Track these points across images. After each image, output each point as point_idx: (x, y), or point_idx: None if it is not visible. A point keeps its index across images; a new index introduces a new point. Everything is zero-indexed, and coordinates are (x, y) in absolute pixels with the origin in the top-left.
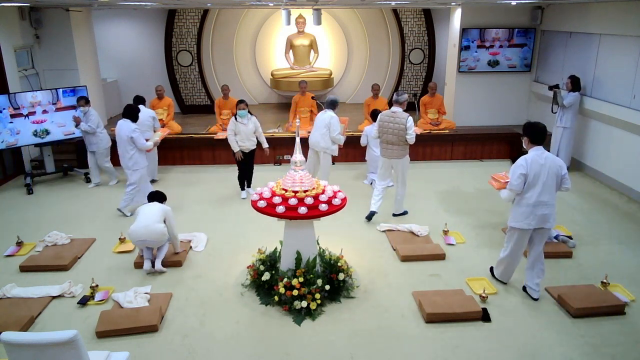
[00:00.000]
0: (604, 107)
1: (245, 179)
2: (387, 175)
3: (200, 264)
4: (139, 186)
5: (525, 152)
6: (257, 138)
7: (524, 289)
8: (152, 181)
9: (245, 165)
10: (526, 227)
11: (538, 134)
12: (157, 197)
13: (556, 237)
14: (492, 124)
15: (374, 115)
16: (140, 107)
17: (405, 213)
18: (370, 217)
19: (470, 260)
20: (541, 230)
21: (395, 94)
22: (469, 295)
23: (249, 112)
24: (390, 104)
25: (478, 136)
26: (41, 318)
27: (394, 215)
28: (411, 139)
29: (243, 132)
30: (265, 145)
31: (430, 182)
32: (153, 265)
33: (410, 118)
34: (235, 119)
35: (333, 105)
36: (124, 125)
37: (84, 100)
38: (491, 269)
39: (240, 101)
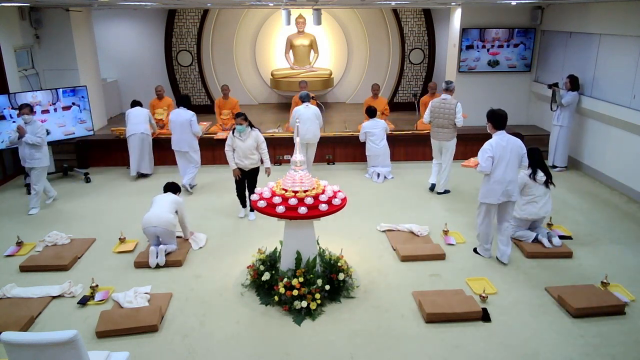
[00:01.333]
0: (604, 107)
1: (243, 198)
2: (438, 155)
3: (200, 264)
4: (199, 165)
5: (532, 151)
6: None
7: (496, 258)
8: (144, 175)
9: (244, 185)
10: (495, 202)
11: (500, 120)
12: (171, 188)
13: (548, 235)
14: None
15: (369, 111)
16: (137, 107)
17: (447, 192)
18: (432, 188)
19: (470, 260)
20: (507, 203)
21: (444, 82)
22: (469, 295)
23: (250, 125)
24: (391, 102)
25: (478, 136)
26: (41, 318)
27: (438, 193)
28: (459, 122)
29: (240, 149)
30: (267, 164)
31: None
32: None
33: (459, 104)
34: (233, 133)
35: (310, 97)
36: (182, 112)
37: (29, 109)
38: (474, 249)
39: (238, 114)
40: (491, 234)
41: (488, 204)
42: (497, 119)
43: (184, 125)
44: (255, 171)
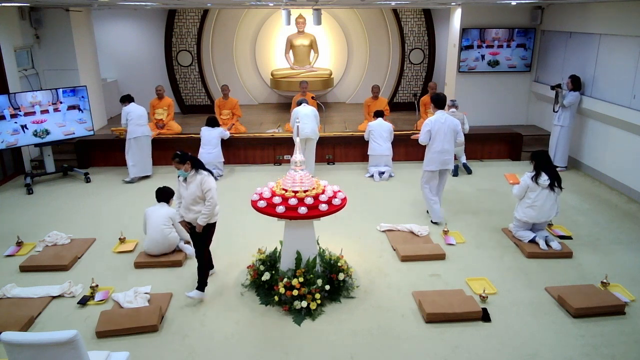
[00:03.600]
0: (603, 107)
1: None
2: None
3: None
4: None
5: (533, 153)
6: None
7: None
8: (146, 177)
9: (195, 243)
10: (434, 168)
11: (440, 102)
12: (164, 196)
13: (546, 239)
14: (492, 124)
15: (377, 114)
16: (136, 105)
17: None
18: (455, 173)
19: (470, 260)
20: (444, 171)
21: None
22: (469, 295)
23: (195, 166)
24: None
25: (478, 136)
26: (41, 318)
27: (464, 163)
28: (466, 129)
29: (183, 197)
30: (201, 220)
31: None
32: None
33: (465, 116)
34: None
35: (307, 103)
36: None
37: None
38: (432, 221)
39: (174, 156)
40: (433, 199)
41: (430, 171)
42: (438, 100)
43: (215, 136)
44: (205, 228)
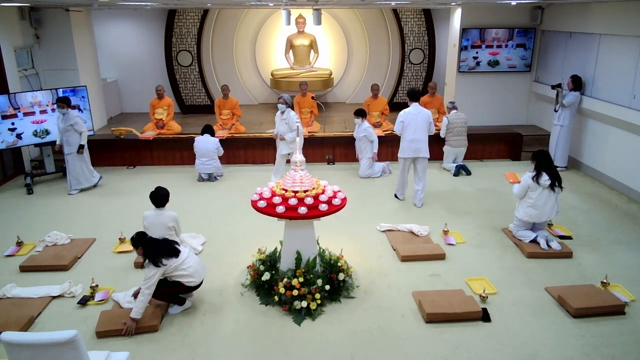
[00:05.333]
0: (603, 107)
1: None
2: (452, 159)
3: None
4: None
5: (534, 153)
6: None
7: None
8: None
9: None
10: (407, 156)
11: (414, 95)
12: (161, 201)
13: (547, 239)
14: (492, 124)
15: (362, 114)
16: (75, 110)
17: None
18: (457, 172)
19: (470, 260)
20: (418, 159)
21: (450, 103)
22: (469, 295)
23: (152, 256)
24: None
25: (478, 136)
26: (41, 318)
27: (461, 165)
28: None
29: None
30: (133, 313)
31: (431, 182)
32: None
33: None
34: None
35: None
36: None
37: None
38: (395, 195)
39: (131, 239)
40: (406, 184)
41: (403, 159)
42: (413, 94)
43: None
44: (169, 282)
